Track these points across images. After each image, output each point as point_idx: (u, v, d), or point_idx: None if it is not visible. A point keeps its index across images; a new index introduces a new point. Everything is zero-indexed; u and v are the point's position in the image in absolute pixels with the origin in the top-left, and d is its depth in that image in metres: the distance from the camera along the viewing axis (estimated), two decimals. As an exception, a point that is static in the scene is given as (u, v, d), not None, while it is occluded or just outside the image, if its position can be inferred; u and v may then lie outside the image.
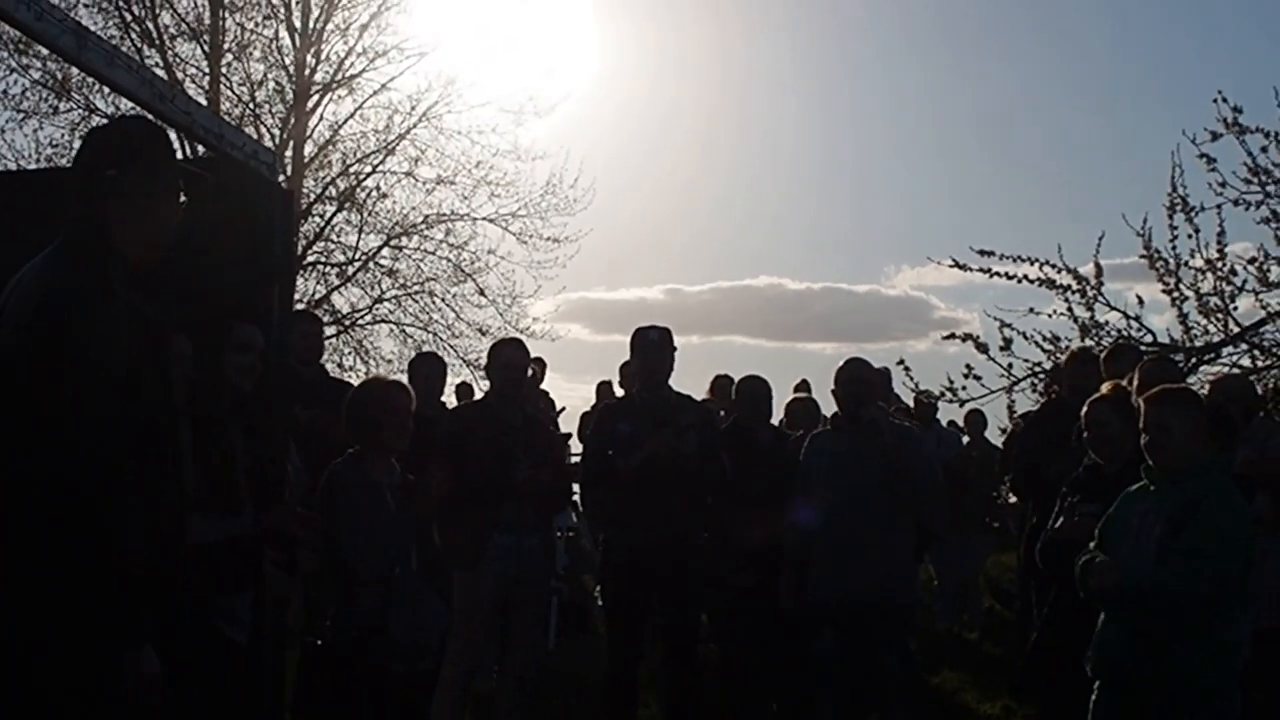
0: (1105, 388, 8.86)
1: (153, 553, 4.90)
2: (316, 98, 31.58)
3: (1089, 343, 13.23)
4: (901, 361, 13.03)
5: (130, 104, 7.09)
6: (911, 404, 15.92)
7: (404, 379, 10.94)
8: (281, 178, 21.27)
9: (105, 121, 28.45)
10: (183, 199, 5.51)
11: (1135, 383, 9.17)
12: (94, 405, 4.72)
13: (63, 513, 4.66)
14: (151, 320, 5.22)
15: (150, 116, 6.50)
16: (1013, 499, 16.61)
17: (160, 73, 21.14)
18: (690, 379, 10.57)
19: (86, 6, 29.13)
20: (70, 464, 4.67)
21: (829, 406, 11.44)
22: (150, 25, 30.41)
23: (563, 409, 15.87)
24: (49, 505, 4.66)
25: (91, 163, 5.25)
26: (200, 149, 9.10)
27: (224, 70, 31.10)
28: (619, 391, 15.38)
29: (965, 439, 17.56)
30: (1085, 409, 8.57)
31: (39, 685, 4.77)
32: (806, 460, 10.37)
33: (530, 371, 11.64)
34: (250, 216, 7.55)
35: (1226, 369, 13.06)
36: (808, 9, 56.99)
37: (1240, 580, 6.98)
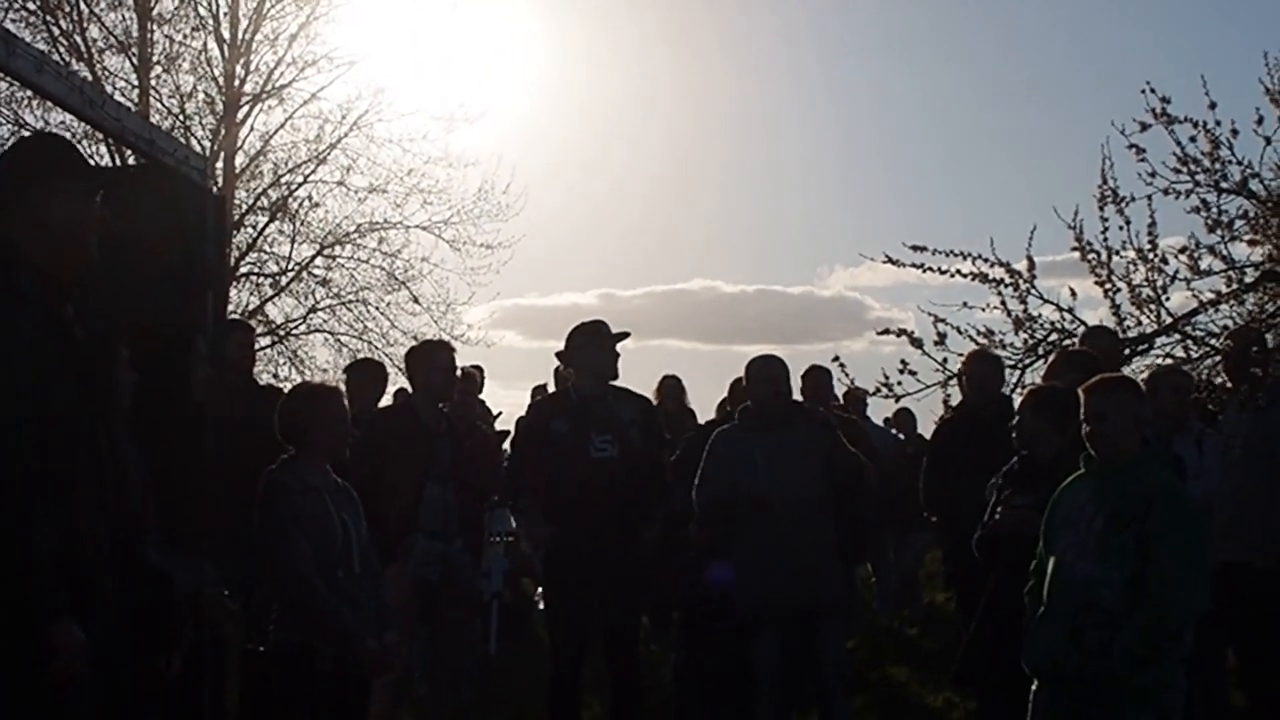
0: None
1: (70, 540, 5.05)
2: (246, 108, 31.46)
3: (1024, 336, 13.28)
4: (836, 359, 13.03)
5: (61, 115, 7.09)
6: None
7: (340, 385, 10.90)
8: (214, 188, 21.21)
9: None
10: (100, 212, 5.55)
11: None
12: None
13: None
14: (69, 325, 5.28)
15: (80, 123, 6.55)
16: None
17: (89, 85, 21.03)
18: (625, 383, 10.56)
19: (14, 21, 28.97)
20: None
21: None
22: (79, 39, 30.23)
23: (499, 414, 15.84)
24: None
25: (2, 180, 5.33)
26: (131, 156, 9.06)
27: (153, 83, 30.96)
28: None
29: (900, 436, 17.65)
30: (1020, 403, 8.65)
31: None
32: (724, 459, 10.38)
33: (462, 375, 11.61)
34: (182, 222, 7.53)
35: (1160, 360, 13.13)
36: (738, 11, 57.08)
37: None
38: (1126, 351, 12.89)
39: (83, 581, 5.14)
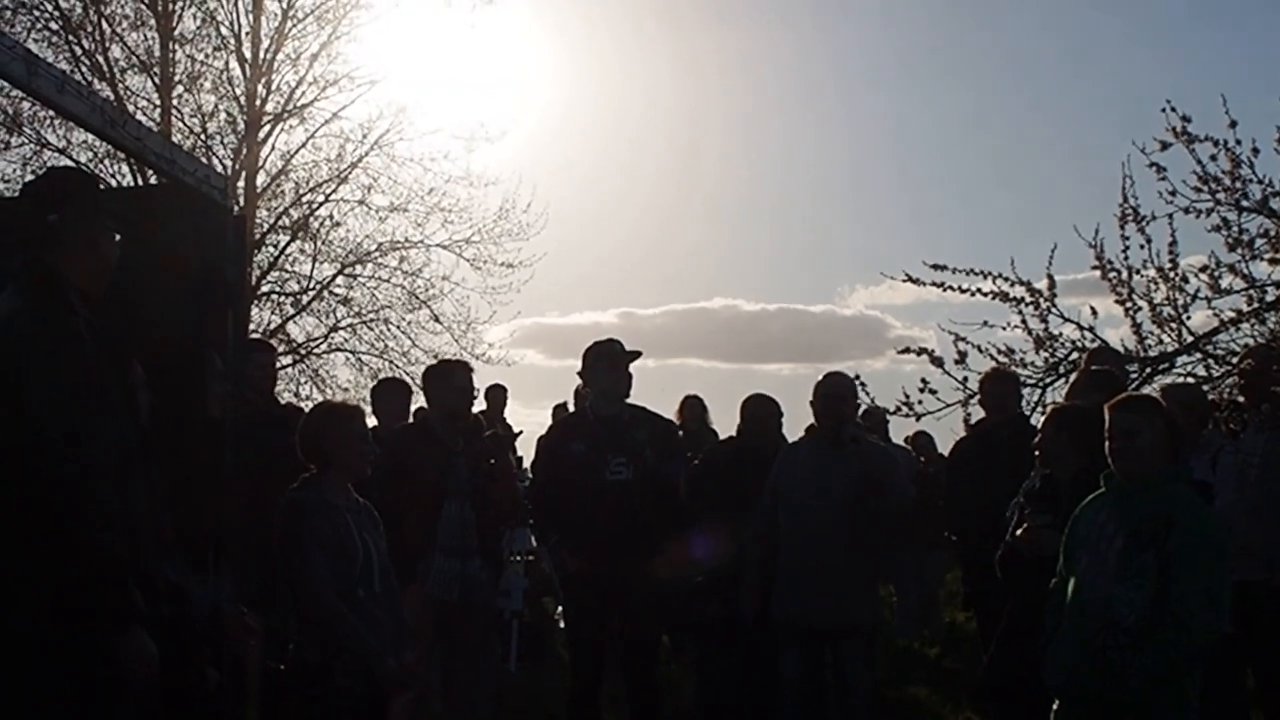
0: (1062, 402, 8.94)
1: (134, 547, 5.24)
2: (268, 128, 31.46)
3: (1044, 354, 13.27)
4: (857, 377, 13.04)
5: (83, 134, 7.16)
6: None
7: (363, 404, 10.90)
8: (235, 207, 21.28)
9: (57, 154, 28.53)
10: (117, 237, 5.92)
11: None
12: (66, 409, 5.09)
13: (40, 507, 4.99)
14: (117, 342, 5.63)
15: (102, 142, 6.76)
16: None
17: (111, 104, 21.06)
18: (646, 402, 10.55)
19: (36, 41, 29.04)
20: (43, 466, 4.99)
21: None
22: (100, 59, 30.28)
23: (519, 433, 15.83)
24: (33, 503, 4.99)
25: (32, 212, 5.66)
26: (152, 175, 9.09)
27: (175, 102, 30.96)
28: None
29: (922, 459, 17.63)
30: (1041, 426, 8.63)
31: (35, 673, 5.05)
32: (779, 473, 10.33)
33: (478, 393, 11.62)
34: (203, 241, 7.54)
35: (1181, 378, 13.10)
36: (758, 34, 57.05)
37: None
38: (1148, 370, 12.89)
39: (144, 590, 5.31)
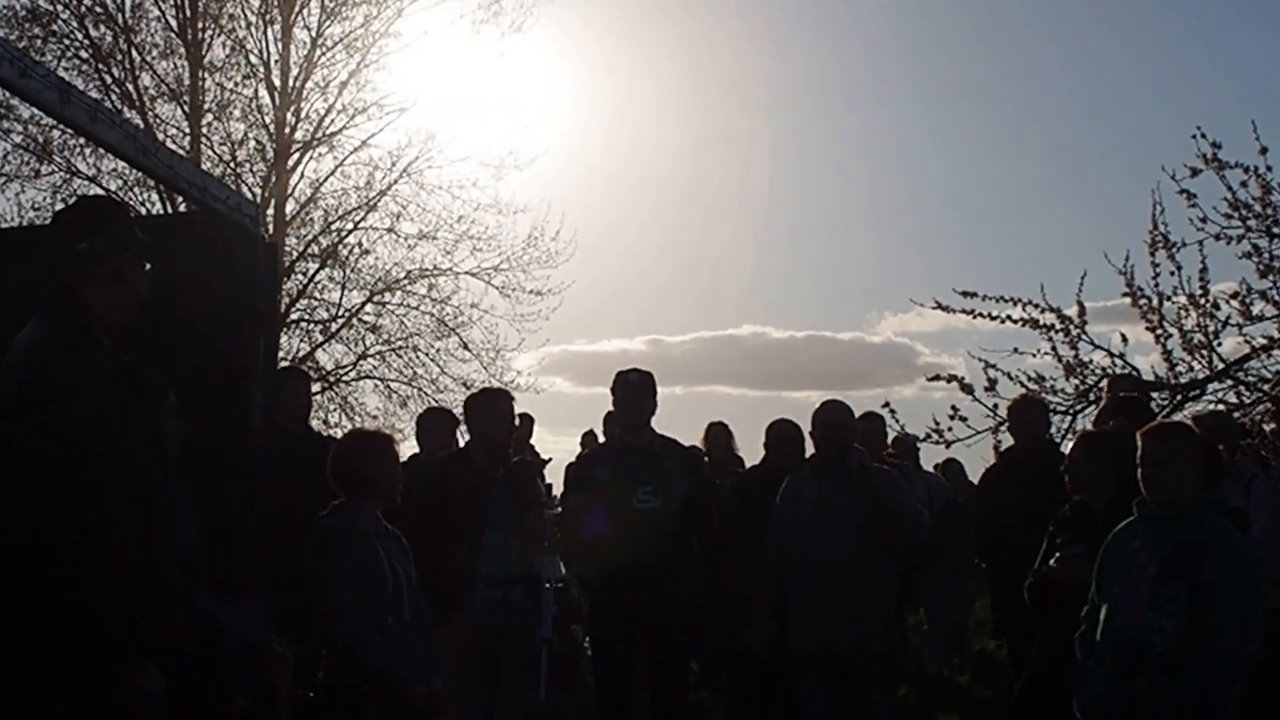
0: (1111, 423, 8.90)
1: (151, 577, 5.22)
2: (297, 155, 31.52)
3: (1075, 381, 13.26)
4: (886, 404, 13.01)
5: (113, 162, 7.19)
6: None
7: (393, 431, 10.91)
8: (265, 235, 21.25)
9: (87, 181, 28.66)
10: (147, 266, 5.87)
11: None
12: (81, 441, 5.07)
13: (56, 540, 4.98)
14: (138, 372, 5.58)
15: (132, 170, 6.75)
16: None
17: (141, 133, 21.13)
18: (674, 429, 10.54)
19: (66, 69, 29.16)
20: (61, 497, 4.99)
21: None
22: (131, 87, 30.39)
23: (549, 460, 15.82)
24: (44, 534, 4.99)
25: (61, 239, 5.66)
26: (183, 202, 9.12)
27: (204, 130, 31.10)
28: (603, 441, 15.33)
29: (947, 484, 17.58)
30: (1071, 447, 8.60)
31: (40, 705, 5.04)
32: (785, 504, 10.29)
33: (518, 422, 11.62)
34: (233, 269, 7.57)
35: (1211, 405, 13.08)
36: (782, 60, 57.08)
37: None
38: (1178, 397, 12.87)
39: (162, 621, 5.30)
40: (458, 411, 12.31)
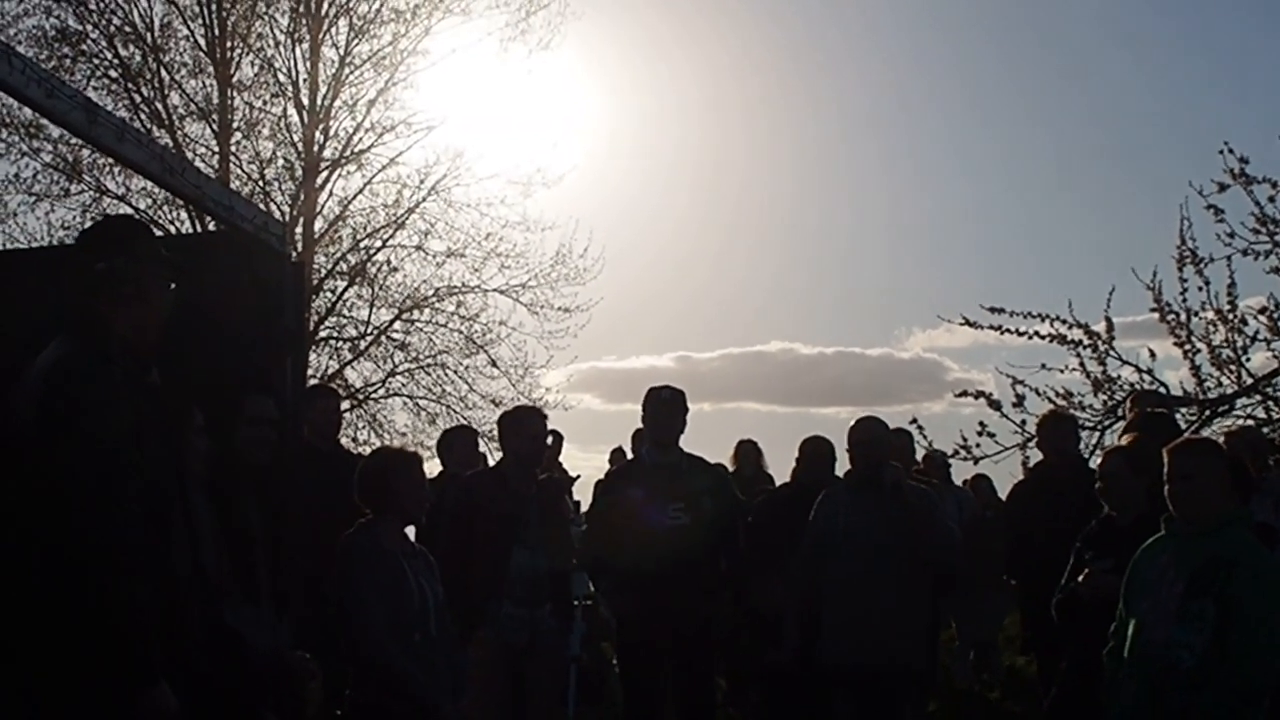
0: (1125, 439, 8.86)
1: (165, 596, 5.25)
2: (325, 173, 31.62)
3: (1103, 397, 13.24)
4: (914, 421, 13.01)
5: (142, 181, 7.22)
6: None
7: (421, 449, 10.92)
8: (293, 253, 21.26)
9: (116, 200, 28.77)
10: (172, 285, 5.91)
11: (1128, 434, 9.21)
12: (96, 460, 5.10)
13: (70, 558, 5.00)
14: (156, 391, 5.63)
15: (161, 190, 6.77)
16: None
17: (170, 152, 21.19)
18: (702, 446, 10.55)
19: (95, 89, 29.29)
20: (75, 515, 5.02)
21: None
22: (159, 106, 30.55)
23: (577, 477, 15.80)
24: (58, 552, 5.01)
25: (83, 258, 5.68)
26: (211, 222, 9.16)
27: (233, 148, 31.20)
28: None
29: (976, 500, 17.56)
30: (1101, 461, 8.56)
31: None
32: (819, 520, 10.27)
33: (549, 440, 11.63)
34: (261, 288, 7.59)
35: (1240, 421, 13.05)
36: (808, 76, 57.05)
37: None
38: (1207, 413, 12.84)
39: (178, 642, 5.29)
40: (487, 429, 12.36)
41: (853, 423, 10.39)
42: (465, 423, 30.36)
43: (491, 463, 12.24)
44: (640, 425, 11.37)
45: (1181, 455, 7.22)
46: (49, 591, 5.00)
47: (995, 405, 13.90)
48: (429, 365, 32.46)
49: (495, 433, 11.45)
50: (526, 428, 10.49)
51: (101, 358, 5.38)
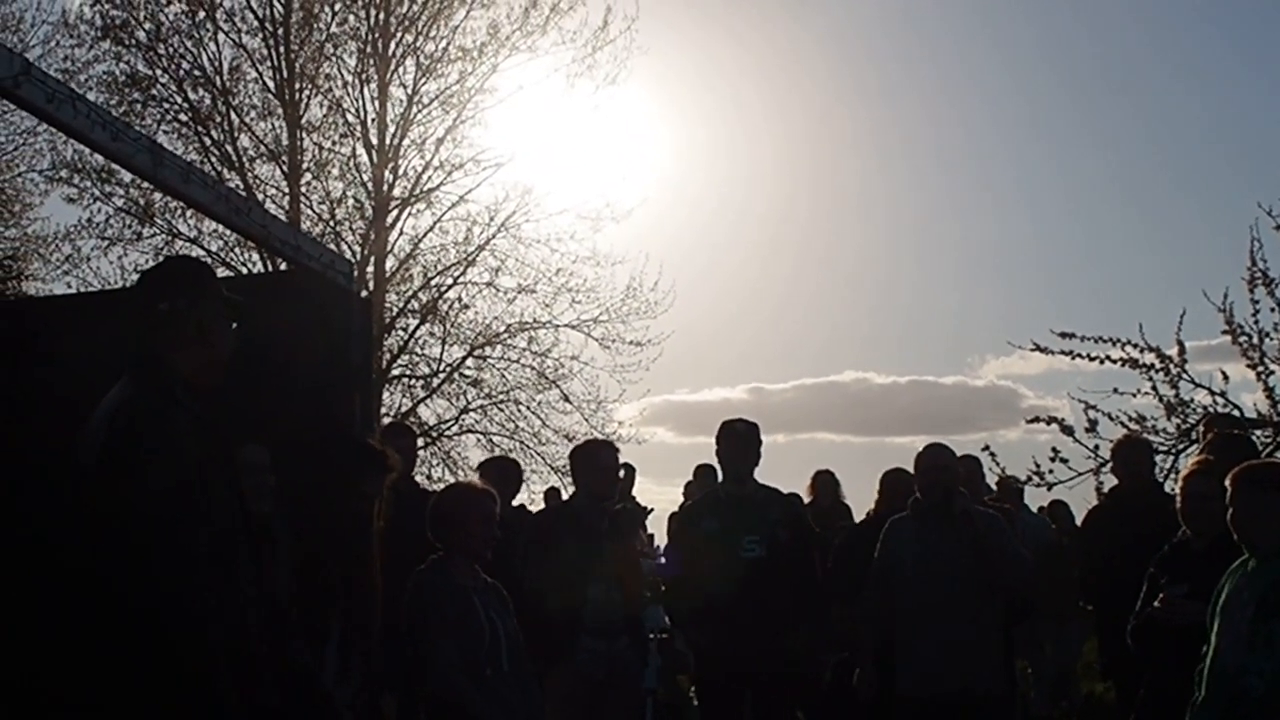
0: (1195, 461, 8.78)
1: (237, 640, 5.21)
2: (395, 212, 31.74)
3: (1176, 421, 13.16)
4: (987, 447, 12.96)
5: (214, 224, 7.28)
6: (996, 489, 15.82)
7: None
8: (364, 293, 21.32)
9: (188, 243, 29.02)
10: (235, 325, 5.90)
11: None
12: (164, 504, 5.06)
13: (141, 605, 4.98)
14: (220, 432, 5.61)
15: (233, 231, 6.80)
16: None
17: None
18: (777, 478, 10.56)
19: (166, 133, 29.54)
20: (143, 562, 5.00)
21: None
22: (230, 148, 30.77)
23: (650, 510, 15.82)
24: (129, 599, 4.98)
25: (145, 299, 5.70)
26: (282, 263, 9.22)
27: (303, 189, 31.40)
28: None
29: (1053, 526, 17.47)
30: (1182, 482, 8.47)
31: None
32: (888, 549, 10.22)
33: (621, 473, 11.64)
34: (328, 326, 7.62)
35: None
36: (874, 106, 56.93)
37: None
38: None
39: (247, 680, 5.27)
40: (561, 464, 12.37)
41: (919, 450, 10.37)
42: (539, 458, 30.59)
43: (564, 496, 12.26)
44: (702, 461, 11.40)
45: (1244, 484, 7.15)
46: (119, 638, 4.99)
47: (1068, 431, 13.84)
48: (502, 401, 32.56)
49: (568, 467, 11.47)
50: (598, 461, 10.52)
51: (167, 399, 5.37)
